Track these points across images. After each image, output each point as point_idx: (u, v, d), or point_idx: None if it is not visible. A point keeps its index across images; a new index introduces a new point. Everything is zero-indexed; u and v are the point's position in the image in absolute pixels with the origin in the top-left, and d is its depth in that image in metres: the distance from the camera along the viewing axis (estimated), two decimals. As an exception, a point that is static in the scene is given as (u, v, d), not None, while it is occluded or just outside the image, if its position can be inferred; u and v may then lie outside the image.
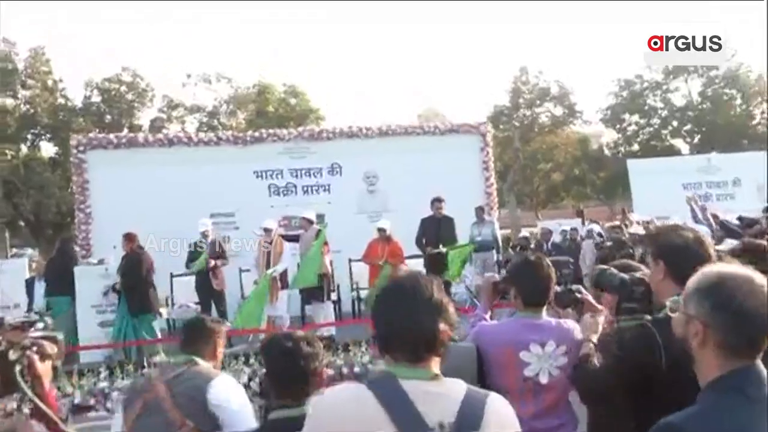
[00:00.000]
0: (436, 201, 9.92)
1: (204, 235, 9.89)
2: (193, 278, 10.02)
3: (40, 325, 2.55)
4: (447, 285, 9.80)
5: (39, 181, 29.95)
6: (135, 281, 9.11)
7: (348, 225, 11.85)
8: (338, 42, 64.96)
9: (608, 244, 9.28)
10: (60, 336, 2.48)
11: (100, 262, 9.71)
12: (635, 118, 41.19)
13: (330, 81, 63.27)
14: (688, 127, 39.95)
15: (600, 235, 10.65)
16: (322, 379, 2.48)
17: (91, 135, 12.04)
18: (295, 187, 12.64)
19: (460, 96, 64.81)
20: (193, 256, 9.77)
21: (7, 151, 31.31)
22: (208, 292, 9.71)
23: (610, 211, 41.85)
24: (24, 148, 33.20)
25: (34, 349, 2.32)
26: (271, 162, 12.49)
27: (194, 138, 12.42)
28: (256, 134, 12.75)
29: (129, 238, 9.37)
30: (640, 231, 9.98)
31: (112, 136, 12.17)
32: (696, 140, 38.83)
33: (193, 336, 3.19)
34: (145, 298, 9.11)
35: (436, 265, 9.65)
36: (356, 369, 8.88)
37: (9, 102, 32.54)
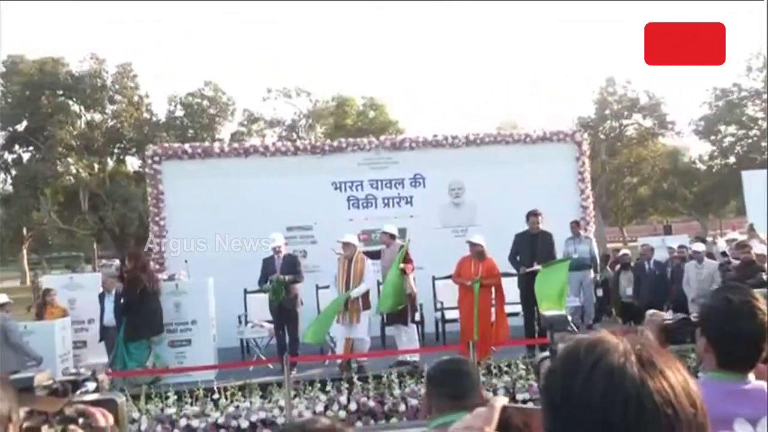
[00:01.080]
0: (532, 215, 8.95)
1: (276, 251, 9.15)
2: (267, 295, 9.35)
3: (91, 385, 1.81)
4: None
5: (123, 194, 30.48)
6: (129, 305, 8.59)
7: (431, 240, 11.06)
8: (416, 54, 64.47)
9: (735, 264, 8.16)
10: (120, 398, 1.74)
11: (171, 278, 9.19)
12: (732, 129, 39.09)
13: (408, 93, 62.83)
14: (790, 138, 37.57)
15: (724, 254, 9.42)
16: None
17: (166, 145, 11.65)
18: (376, 199, 11.90)
19: (542, 107, 63.15)
20: (266, 275, 9.08)
21: (94, 165, 32.07)
22: (281, 311, 8.99)
23: (702, 228, 39.80)
24: (110, 162, 33.92)
25: (80, 421, 1.59)
26: (350, 173, 11.80)
27: (271, 148, 11.85)
28: (335, 144, 12.08)
29: (131, 256, 8.91)
30: (763, 250, 8.77)
31: (187, 146, 11.73)
32: (799, 152, 36.38)
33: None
34: (139, 324, 8.53)
35: (532, 286, 8.70)
36: (443, 400, 8.04)
37: (97, 117, 33.36)
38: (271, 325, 9.41)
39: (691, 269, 9.78)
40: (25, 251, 38.14)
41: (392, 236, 8.86)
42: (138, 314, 8.53)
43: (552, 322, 2.52)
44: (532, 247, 8.76)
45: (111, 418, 1.67)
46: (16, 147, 32.89)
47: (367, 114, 37.01)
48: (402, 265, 8.42)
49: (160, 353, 8.75)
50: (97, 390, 1.83)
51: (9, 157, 32.90)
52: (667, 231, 38.71)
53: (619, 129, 40.63)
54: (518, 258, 8.87)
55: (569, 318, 9.23)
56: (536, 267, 8.54)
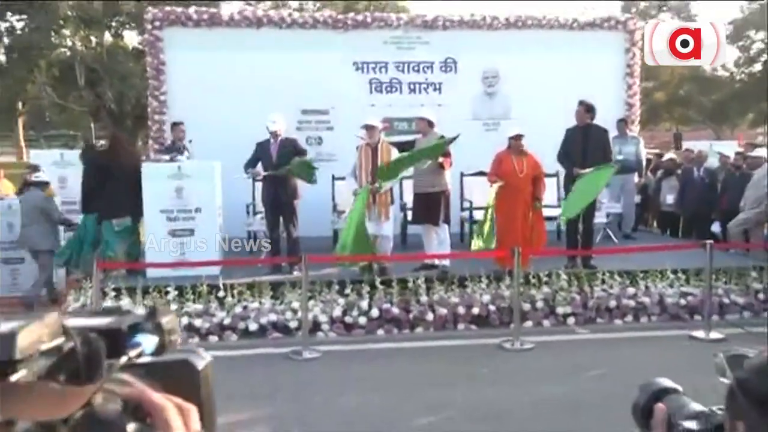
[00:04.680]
0: (579, 104, 7.87)
1: (275, 135, 7.95)
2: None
3: (147, 342, 0.82)
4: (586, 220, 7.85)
5: (121, 70, 29.07)
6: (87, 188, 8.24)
7: (460, 132, 9.97)
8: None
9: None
10: (202, 357, 0.80)
11: (173, 159, 8.15)
12: (761, 35, 37.22)
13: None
14: (823, 47, 35.82)
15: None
16: None
17: (168, 8, 10.27)
18: (401, 83, 10.68)
19: (563, 3, 60.07)
20: (256, 159, 8.00)
21: (91, 38, 30.37)
22: (276, 204, 7.89)
23: (716, 137, 38.59)
24: (108, 36, 32.26)
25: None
26: (374, 52, 10.51)
27: (287, 19, 10.51)
28: (359, 18, 10.72)
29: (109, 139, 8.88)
30: None
31: (192, 10, 10.37)
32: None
33: None
34: (98, 205, 8.03)
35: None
36: (475, 310, 7.21)
37: (94, -14, 31.38)
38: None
39: (762, 177, 8.76)
40: (20, 126, 37.00)
41: (430, 123, 7.74)
42: (94, 195, 7.97)
43: None
44: (583, 143, 7.67)
45: (193, 415, 0.72)
46: (9, 15, 31.08)
47: (378, -1, 34.89)
48: (441, 159, 7.38)
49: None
50: (161, 349, 0.80)
51: (2, 25, 31.15)
52: (677, 138, 37.57)
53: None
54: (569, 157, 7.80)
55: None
56: (590, 169, 7.48)
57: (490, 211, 7.67)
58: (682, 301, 7.37)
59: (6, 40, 31.49)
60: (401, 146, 7.81)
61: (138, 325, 0.80)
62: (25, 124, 37.78)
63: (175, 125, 9.46)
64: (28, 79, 30.47)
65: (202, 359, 0.85)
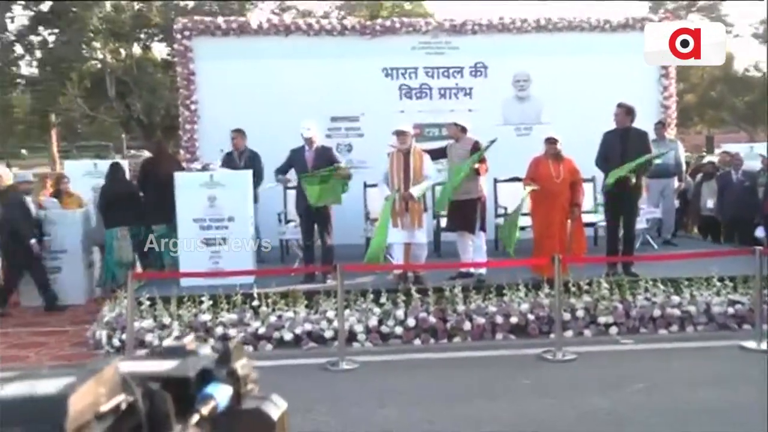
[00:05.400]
0: (617, 107, 7.68)
1: (310, 142, 7.82)
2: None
3: (220, 393, 0.69)
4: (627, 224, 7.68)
5: (150, 82, 29.36)
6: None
7: (492, 137, 9.80)
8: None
9: None
10: (277, 405, 0.69)
11: (204, 168, 8.11)
12: (796, 33, 36.62)
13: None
14: None
15: None
16: None
17: (197, 18, 10.26)
18: (431, 89, 10.55)
19: (590, 5, 59.50)
20: (289, 167, 7.87)
21: (121, 50, 30.70)
22: (311, 212, 7.69)
23: (750, 139, 37.81)
24: (137, 48, 32.60)
25: None
26: (403, 58, 10.41)
27: (315, 26, 10.45)
28: (387, 24, 10.62)
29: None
30: None
31: (220, 20, 10.35)
32: None
33: None
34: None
35: (620, 194, 7.48)
36: (513, 319, 7.03)
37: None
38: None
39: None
40: (54, 137, 37.58)
41: (464, 129, 7.61)
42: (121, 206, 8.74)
43: None
44: (622, 146, 7.46)
45: None
46: (41, 29, 31.54)
47: (402, 6, 34.90)
48: (477, 165, 7.24)
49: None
50: (236, 401, 0.68)
51: (34, 39, 31.59)
52: (710, 143, 36.91)
53: (674, 30, 38.07)
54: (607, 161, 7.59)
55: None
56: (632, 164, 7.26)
57: (517, 214, 7.48)
58: (730, 310, 7.11)
59: (38, 54, 31.99)
60: (433, 153, 7.68)
61: (208, 372, 0.67)
62: (58, 135, 38.34)
63: (234, 132, 9.05)
64: (60, 91, 30.93)
65: (277, 408, 0.73)
